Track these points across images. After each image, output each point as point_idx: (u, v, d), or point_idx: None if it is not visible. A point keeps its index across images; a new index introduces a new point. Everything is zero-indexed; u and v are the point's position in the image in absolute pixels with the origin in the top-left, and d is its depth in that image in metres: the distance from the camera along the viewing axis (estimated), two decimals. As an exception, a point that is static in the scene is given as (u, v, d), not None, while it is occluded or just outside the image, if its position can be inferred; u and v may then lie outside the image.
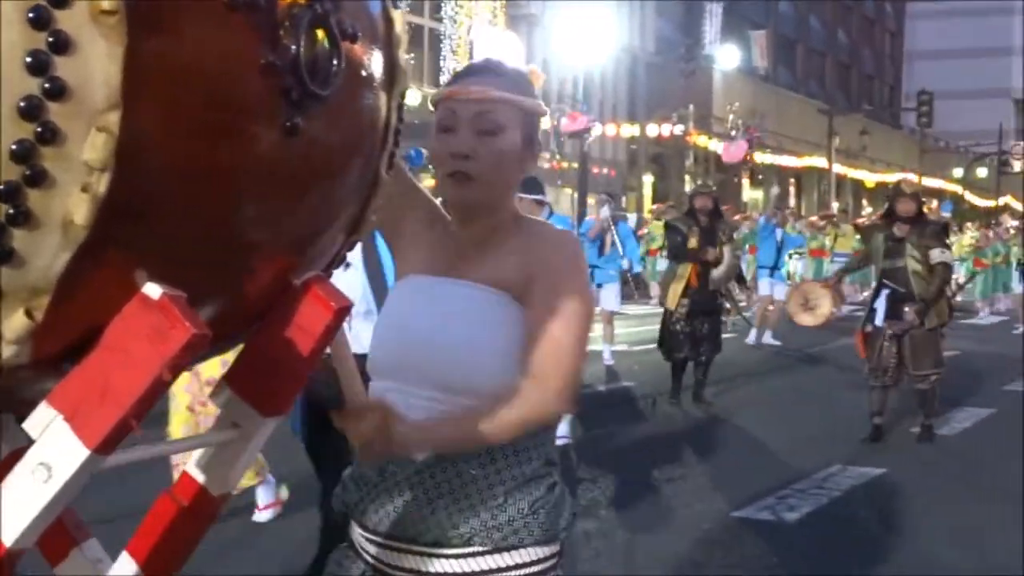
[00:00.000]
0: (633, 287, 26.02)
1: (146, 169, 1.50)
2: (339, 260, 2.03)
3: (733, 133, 30.58)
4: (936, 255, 11.35)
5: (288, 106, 1.61)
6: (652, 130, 49.32)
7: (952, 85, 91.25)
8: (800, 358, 19.10)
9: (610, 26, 43.14)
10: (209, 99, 1.52)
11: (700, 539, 8.01)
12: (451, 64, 43.16)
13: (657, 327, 14.01)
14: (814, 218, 31.37)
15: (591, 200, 46.63)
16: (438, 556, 2.65)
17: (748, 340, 20.49)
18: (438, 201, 2.92)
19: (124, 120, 1.44)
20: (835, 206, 60.59)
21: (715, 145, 53.70)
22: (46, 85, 1.41)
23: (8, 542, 1.61)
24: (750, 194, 55.69)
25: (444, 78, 42.66)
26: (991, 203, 76.45)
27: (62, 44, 1.41)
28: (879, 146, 70.26)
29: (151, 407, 1.62)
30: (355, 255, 5.78)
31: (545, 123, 2.92)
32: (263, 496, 7.91)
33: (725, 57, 59.21)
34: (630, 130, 50.01)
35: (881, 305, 11.35)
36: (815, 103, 66.82)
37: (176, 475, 7.28)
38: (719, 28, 61.48)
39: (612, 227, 17.54)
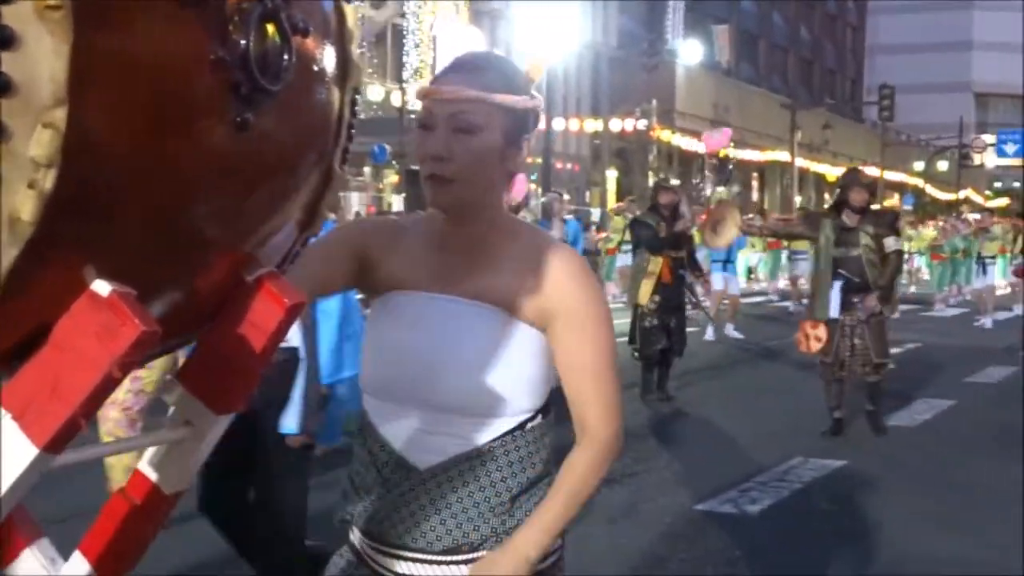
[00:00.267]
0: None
1: (94, 165, 1.48)
2: (293, 256, 2.02)
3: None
4: (891, 243, 11.40)
5: (238, 101, 1.60)
6: (615, 125, 49.47)
7: (913, 79, 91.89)
8: (760, 352, 19.19)
9: (573, 21, 43.19)
10: (157, 94, 1.51)
11: (663, 532, 8.03)
12: (414, 60, 43.14)
13: (616, 323, 13.98)
14: (775, 216, 31.43)
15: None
16: (449, 563, 2.66)
17: (707, 337, 20.53)
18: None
19: (71, 116, 1.42)
20: (798, 200, 60.92)
21: (678, 139, 53.88)
22: (-9, 81, 1.40)
23: (-42, 541, 1.59)
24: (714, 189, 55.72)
25: (407, 74, 42.68)
26: (952, 196, 76.97)
27: (7, 39, 1.39)
28: (841, 140, 70.62)
29: (101, 405, 1.61)
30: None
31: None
32: None
33: (688, 52, 59.42)
34: (593, 125, 50.14)
35: (836, 297, 11.30)
36: (778, 98, 67.13)
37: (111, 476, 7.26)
38: (682, 23, 61.66)
39: (562, 224, 17.53)
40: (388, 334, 2.75)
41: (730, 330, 20.91)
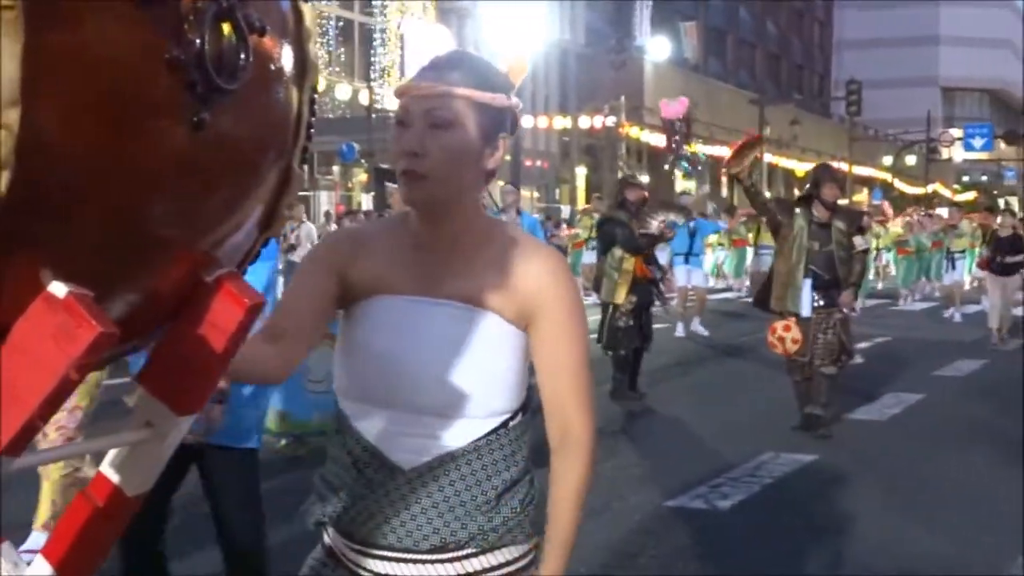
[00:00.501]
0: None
1: (49, 166, 1.47)
2: (253, 256, 2.01)
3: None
4: (859, 243, 11.41)
5: (194, 101, 1.59)
6: (584, 122, 49.51)
7: (880, 74, 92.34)
8: (729, 348, 19.21)
9: (540, 18, 43.23)
10: (112, 94, 1.50)
11: (634, 529, 8.04)
12: (382, 58, 43.12)
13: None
14: (743, 214, 31.51)
15: (525, 193, 46.72)
16: (436, 561, 2.66)
17: (677, 333, 20.57)
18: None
19: (25, 117, 1.41)
20: (767, 195, 61.04)
21: (647, 136, 53.95)
22: (-57, 82, 1.39)
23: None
24: (683, 185, 55.87)
25: (375, 72, 42.65)
26: (920, 190, 77.31)
27: (-42, 40, 1.38)
28: (809, 135, 70.85)
29: (58, 408, 1.61)
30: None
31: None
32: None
33: (656, 48, 59.51)
34: (562, 122, 50.18)
35: (807, 294, 11.21)
36: (746, 93, 67.31)
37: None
38: (649, 19, 61.73)
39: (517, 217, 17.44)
40: (366, 339, 2.72)
41: (696, 325, 20.89)
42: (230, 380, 3.33)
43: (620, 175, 43.63)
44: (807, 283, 11.17)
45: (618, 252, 13.29)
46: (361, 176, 43.86)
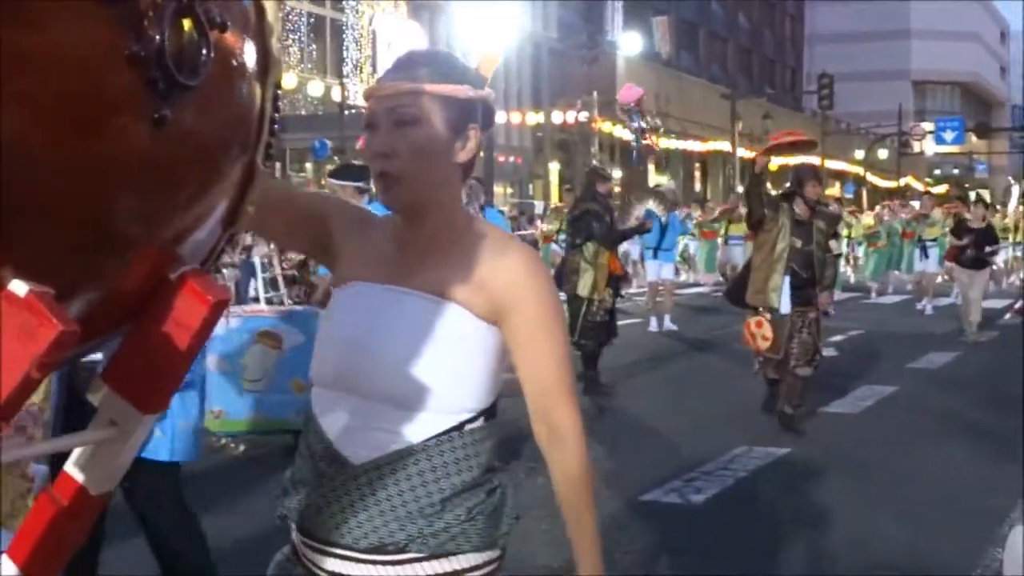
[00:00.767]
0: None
1: (8, 164, 1.46)
2: (217, 254, 2.00)
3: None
4: (834, 246, 11.46)
5: (155, 97, 1.58)
6: (557, 117, 49.53)
7: (852, 68, 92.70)
8: (700, 342, 19.25)
9: (512, 13, 43.17)
10: (71, 92, 1.49)
11: (608, 524, 8.04)
12: (354, 55, 43.03)
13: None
14: (717, 211, 31.59)
15: (498, 189, 46.73)
16: (375, 562, 2.63)
17: (651, 328, 20.61)
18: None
19: (-18, 115, 1.40)
20: (740, 189, 61.09)
21: (620, 131, 53.96)
22: (-101, 81, 1.38)
23: None
24: (655, 179, 55.93)
25: (347, 69, 42.58)
26: (893, 184, 77.52)
27: (-86, 38, 1.37)
28: (782, 129, 70.82)
29: (20, 408, 1.59)
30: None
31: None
32: None
33: (628, 43, 59.54)
34: (535, 117, 50.18)
35: (786, 291, 11.19)
36: (718, 87, 67.39)
37: None
38: (621, 14, 61.76)
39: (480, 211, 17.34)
40: (335, 323, 2.77)
41: (667, 321, 20.86)
42: None
43: (590, 167, 43.72)
44: (787, 280, 11.14)
45: (593, 246, 13.25)
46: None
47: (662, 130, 48.25)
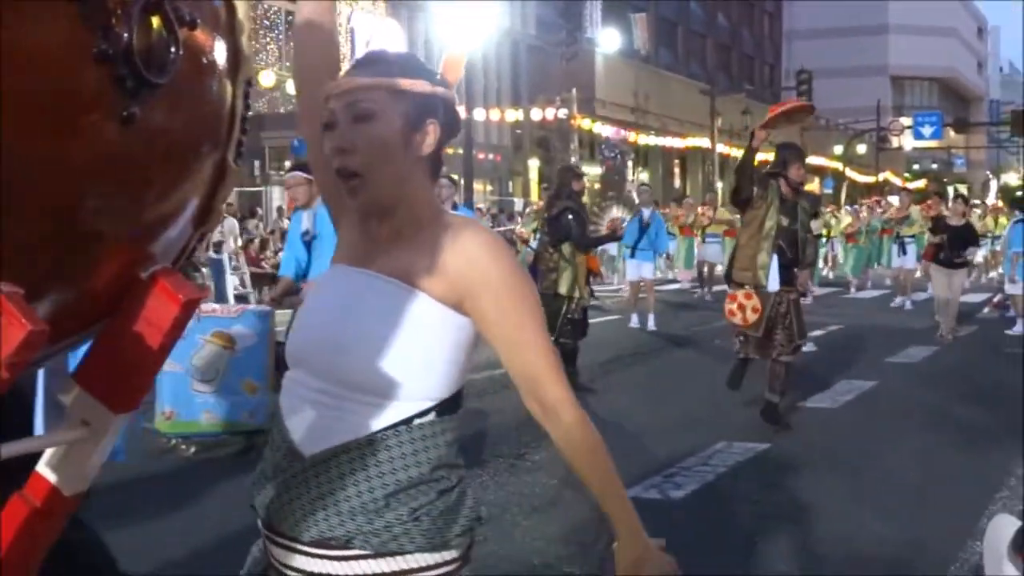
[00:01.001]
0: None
1: (-24, 163, 1.46)
2: (189, 252, 2.00)
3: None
4: (814, 226, 11.43)
5: (124, 95, 1.58)
6: (536, 114, 49.45)
7: (830, 64, 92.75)
8: (678, 338, 19.23)
9: (491, 10, 43.15)
10: (41, 90, 1.48)
11: (588, 519, 8.03)
12: (332, 52, 42.89)
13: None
14: (700, 209, 31.51)
15: (478, 187, 46.70)
16: (320, 556, 2.61)
17: (632, 324, 20.60)
18: None
19: (-51, 114, 1.40)
20: (719, 185, 61.16)
21: (599, 128, 54.00)
22: None
23: None
24: (633, 176, 55.98)
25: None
26: (871, 179, 77.67)
27: None
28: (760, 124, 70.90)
29: (-11, 406, 1.59)
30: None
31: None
32: None
33: (607, 40, 59.48)
34: (514, 115, 50.11)
35: (775, 269, 11.08)
36: (697, 84, 67.37)
37: None
38: (600, 11, 61.75)
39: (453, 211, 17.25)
40: (310, 303, 2.79)
41: (650, 322, 20.74)
42: None
43: (563, 164, 43.63)
44: (775, 258, 11.06)
45: (571, 245, 13.19)
46: (314, 171, 43.58)
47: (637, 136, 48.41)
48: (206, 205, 1.93)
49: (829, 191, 54.71)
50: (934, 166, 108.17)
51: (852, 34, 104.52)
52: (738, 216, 12.54)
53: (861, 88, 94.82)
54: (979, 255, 19.87)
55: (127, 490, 6.94)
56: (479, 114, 45.75)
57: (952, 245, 19.44)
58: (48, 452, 1.95)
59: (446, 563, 2.65)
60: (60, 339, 1.68)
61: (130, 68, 1.56)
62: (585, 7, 60.63)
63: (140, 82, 1.58)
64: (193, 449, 9.68)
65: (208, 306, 10.34)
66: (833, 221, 32.87)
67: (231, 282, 18.64)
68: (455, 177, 16.29)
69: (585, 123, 51.34)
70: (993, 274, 31.53)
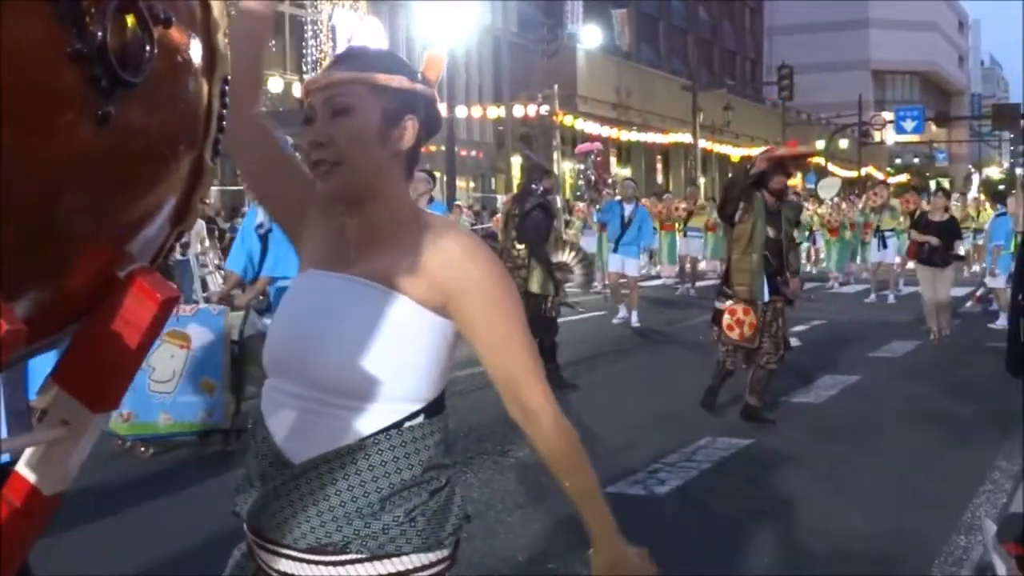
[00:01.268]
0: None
1: (-49, 164, 1.45)
2: (166, 251, 1.99)
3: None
4: (796, 234, 11.44)
5: (98, 95, 1.57)
6: (518, 111, 49.42)
7: (812, 59, 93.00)
8: (660, 334, 19.24)
9: (472, 7, 43.15)
10: (14, 89, 1.47)
11: (572, 516, 8.03)
12: (314, 51, 42.88)
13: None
14: (682, 207, 31.47)
15: (461, 183, 46.70)
16: (315, 562, 2.61)
17: (614, 320, 20.57)
18: None
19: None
20: (702, 181, 61.25)
21: (581, 124, 54.00)
22: None
23: None
24: (618, 171, 56.01)
25: (307, 65, 42.42)
26: (854, 173, 77.79)
27: None
28: (743, 121, 71.09)
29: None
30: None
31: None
32: None
33: (588, 36, 59.54)
34: (496, 111, 50.11)
35: (763, 280, 11.08)
36: (678, 80, 67.38)
37: None
38: (581, 7, 61.73)
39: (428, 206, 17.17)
40: (284, 310, 2.77)
41: (633, 319, 20.68)
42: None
43: (556, 165, 43.55)
44: (763, 270, 11.05)
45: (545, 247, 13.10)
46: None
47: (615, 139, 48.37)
48: (183, 204, 1.92)
49: (811, 186, 54.67)
50: (916, 160, 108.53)
51: (833, 29, 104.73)
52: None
53: (842, 83, 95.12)
54: (960, 249, 19.44)
55: (83, 494, 6.88)
56: (461, 111, 45.75)
57: (932, 249, 18.48)
58: (27, 452, 1.95)
59: (440, 562, 2.67)
60: (36, 339, 1.67)
61: (105, 67, 1.56)
62: (566, 4, 60.64)
63: (115, 81, 1.58)
64: (151, 451, 9.60)
65: None
66: (815, 217, 32.80)
67: (198, 283, 18.59)
68: (436, 173, 16.24)
69: (567, 119, 51.30)
70: (976, 267, 31.54)
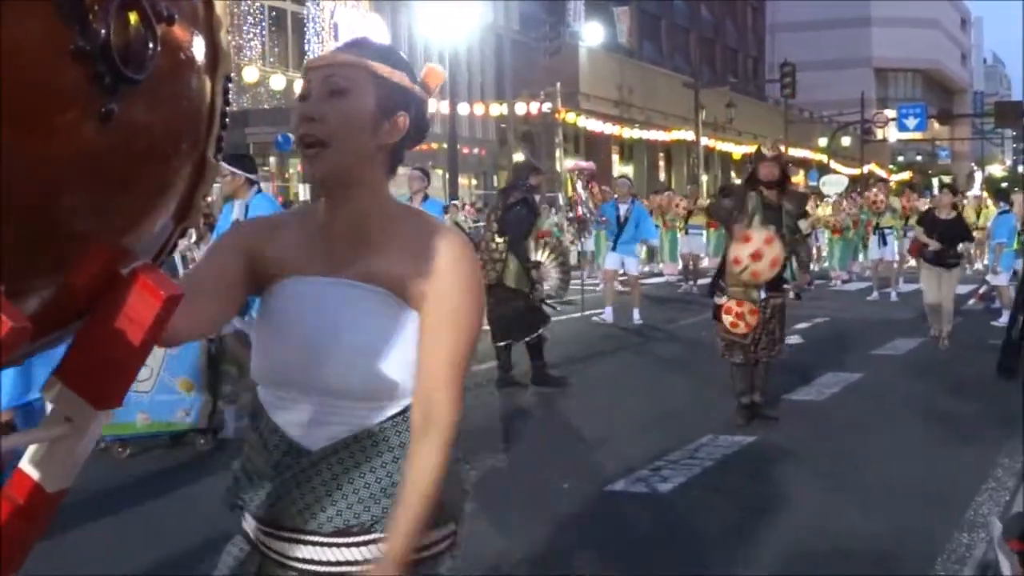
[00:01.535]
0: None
1: (-46, 163, 1.45)
2: (170, 248, 1.99)
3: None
4: (804, 226, 11.34)
5: (102, 92, 1.57)
6: (521, 108, 49.44)
7: (814, 56, 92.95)
8: (662, 332, 19.19)
9: (474, 5, 43.14)
10: (17, 88, 1.47)
11: (576, 514, 8.04)
12: (315, 48, 42.90)
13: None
14: (682, 204, 31.42)
15: (463, 181, 46.68)
16: (341, 545, 2.65)
17: (601, 318, 20.41)
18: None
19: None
20: (704, 178, 61.26)
21: (584, 122, 54.01)
22: None
23: None
24: (620, 169, 56.00)
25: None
26: (856, 171, 77.72)
27: None
28: (745, 118, 71.00)
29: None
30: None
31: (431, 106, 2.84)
32: None
33: (590, 34, 59.55)
34: (498, 109, 50.12)
35: None
36: (681, 77, 67.35)
37: None
38: (583, 5, 61.73)
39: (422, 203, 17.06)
40: (277, 320, 2.72)
41: (635, 316, 20.52)
42: None
43: (558, 163, 43.55)
44: None
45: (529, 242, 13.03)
46: (298, 166, 43.61)
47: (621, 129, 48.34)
48: (186, 201, 1.92)
49: (814, 184, 54.66)
50: (919, 158, 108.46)
51: (835, 26, 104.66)
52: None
53: (845, 80, 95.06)
54: (960, 248, 19.00)
55: (83, 494, 6.88)
56: (463, 108, 45.74)
57: (944, 241, 17.36)
58: (31, 449, 1.95)
59: (452, 534, 2.77)
60: (40, 337, 1.67)
61: (108, 65, 1.56)
62: (568, 2, 60.69)
63: (118, 79, 1.57)
64: (128, 451, 9.55)
65: None
66: (819, 214, 32.74)
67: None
68: (439, 171, 16.18)
69: (570, 117, 51.31)
70: (979, 265, 31.49)
